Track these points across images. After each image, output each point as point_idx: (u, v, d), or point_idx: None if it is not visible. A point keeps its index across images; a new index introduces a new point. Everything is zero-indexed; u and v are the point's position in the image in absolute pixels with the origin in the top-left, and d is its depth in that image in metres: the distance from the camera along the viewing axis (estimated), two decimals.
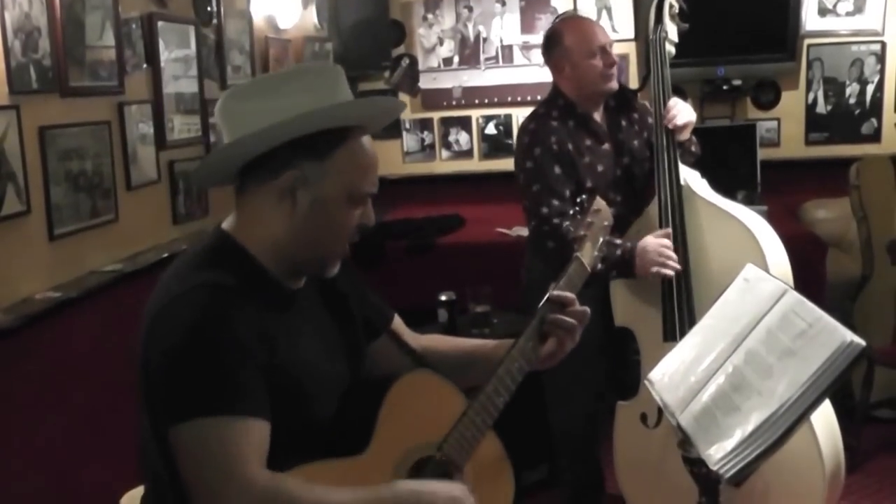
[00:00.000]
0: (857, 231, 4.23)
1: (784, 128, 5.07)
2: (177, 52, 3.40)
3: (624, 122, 3.00)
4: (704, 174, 2.94)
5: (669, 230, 2.76)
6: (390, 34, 5.17)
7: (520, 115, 5.10)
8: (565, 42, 2.89)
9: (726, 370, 1.73)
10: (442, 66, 5.29)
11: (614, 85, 2.91)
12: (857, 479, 3.61)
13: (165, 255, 3.08)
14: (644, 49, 4.85)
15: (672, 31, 2.96)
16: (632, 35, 5.05)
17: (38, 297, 2.54)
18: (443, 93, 5.30)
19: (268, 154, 1.49)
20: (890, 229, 4.12)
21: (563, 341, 1.75)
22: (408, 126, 5.34)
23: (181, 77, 3.43)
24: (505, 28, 5.20)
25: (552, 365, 1.79)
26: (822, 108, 5.03)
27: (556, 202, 2.79)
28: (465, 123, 5.32)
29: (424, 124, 5.35)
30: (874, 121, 4.99)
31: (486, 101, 5.27)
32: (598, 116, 2.96)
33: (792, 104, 5.05)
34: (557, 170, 2.82)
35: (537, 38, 4.88)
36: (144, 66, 3.22)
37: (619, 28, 5.01)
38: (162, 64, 3.28)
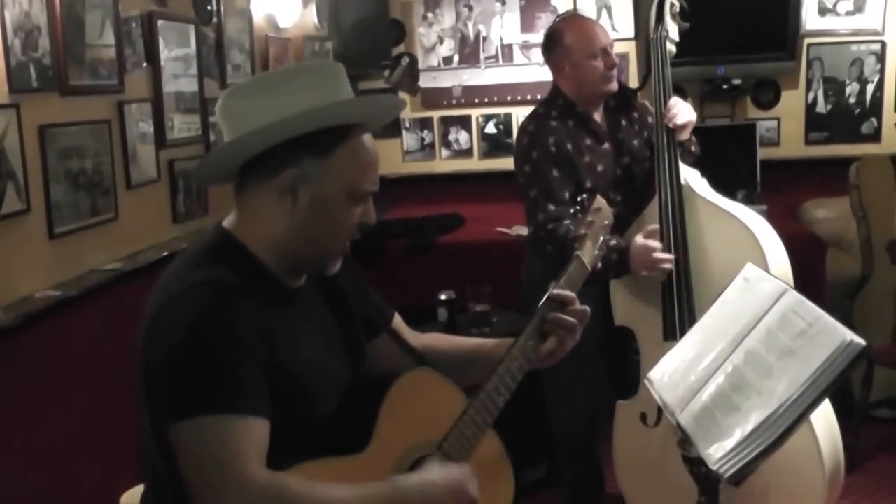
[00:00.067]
0: (856, 231, 4.23)
1: (784, 127, 5.07)
2: (177, 51, 3.39)
3: (624, 122, 2.99)
4: (704, 174, 2.93)
5: (656, 226, 2.73)
6: (390, 33, 5.17)
7: (520, 114, 5.10)
8: (567, 42, 2.88)
9: (726, 370, 1.73)
10: (442, 65, 5.29)
11: (614, 86, 2.91)
12: (857, 479, 3.61)
13: (165, 253, 3.09)
14: (644, 48, 4.85)
15: (673, 29, 2.96)
16: (632, 34, 5.05)
17: (37, 296, 2.54)
18: (443, 92, 5.30)
19: (268, 152, 1.49)
20: (890, 229, 4.12)
21: (564, 340, 1.76)
22: (408, 125, 5.34)
23: (181, 76, 3.43)
24: (505, 27, 5.20)
25: (552, 364, 1.79)
26: (821, 107, 5.04)
27: (552, 207, 2.79)
28: (464, 122, 5.32)
29: (424, 123, 5.35)
30: (874, 120, 4.99)
31: (486, 100, 5.27)
32: (597, 116, 2.96)
33: (792, 104, 5.05)
34: (555, 172, 2.81)
35: (537, 37, 4.88)
36: (144, 64, 3.22)
37: (618, 27, 5.01)
38: (162, 63, 3.28)
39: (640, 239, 2.70)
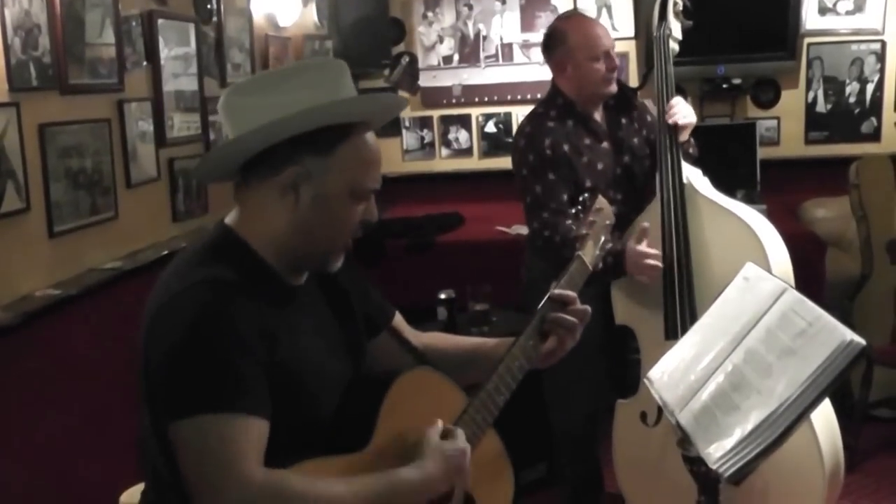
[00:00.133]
0: (856, 230, 4.23)
1: (784, 127, 5.07)
2: (177, 50, 3.39)
3: (623, 121, 2.99)
4: (704, 173, 2.93)
5: (646, 224, 2.71)
6: (390, 32, 5.17)
7: (520, 113, 5.10)
8: (569, 42, 2.87)
9: (726, 369, 1.73)
10: (442, 64, 5.29)
11: (613, 88, 2.90)
12: (856, 479, 3.61)
13: (165, 252, 3.08)
14: (645, 47, 4.86)
15: (676, 28, 2.95)
16: (632, 33, 5.05)
17: (37, 295, 2.54)
18: (443, 91, 5.30)
19: (270, 150, 1.49)
20: (889, 228, 4.12)
21: (564, 340, 1.76)
22: (407, 124, 5.34)
23: (181, 75, 3.43)
24: (505, 26, 5.20)
25: (552, 363, 1.79)
26: (821, 107, 5.04)
27: (545, 215, 2.79)
28: (464, 121, 5.32)
29: (424, 122, 5.35)
30: (874, 120, 4.99)
31: (486, 99, 5.27)
32: (597, 115, 2.95)
33: (792, 103, 5.05)
34: (552, 176, 2.80)
35: (537, 36, 4.88)
36: (144, 63, 3.21)
37: (619, 26, 5.01)
38: (162, 61, 3.28)
39: (633, 243, 2.70)
